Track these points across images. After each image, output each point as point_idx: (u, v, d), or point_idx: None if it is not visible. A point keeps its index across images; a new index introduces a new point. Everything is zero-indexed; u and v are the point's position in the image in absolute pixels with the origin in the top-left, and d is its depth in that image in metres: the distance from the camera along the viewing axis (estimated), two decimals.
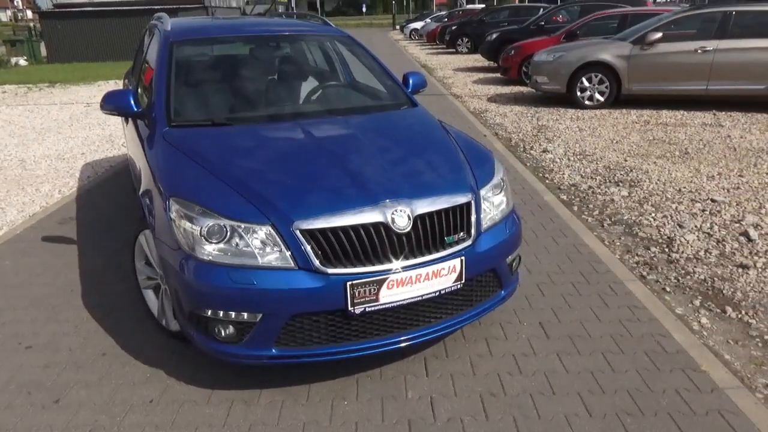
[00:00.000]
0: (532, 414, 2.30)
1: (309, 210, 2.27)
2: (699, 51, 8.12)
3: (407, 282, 2.31)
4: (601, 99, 8.81)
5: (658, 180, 5.34)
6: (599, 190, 5.15)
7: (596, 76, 8.75)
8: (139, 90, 3.88)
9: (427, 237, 2.36)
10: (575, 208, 4.76)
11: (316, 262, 2.22)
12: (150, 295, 2.96)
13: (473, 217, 2.51)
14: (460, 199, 2.49)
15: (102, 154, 6.95)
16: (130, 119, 3.77)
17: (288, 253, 2.23)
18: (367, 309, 2.27)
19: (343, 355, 2.32)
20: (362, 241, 2.26)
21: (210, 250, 2.27)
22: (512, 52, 11.87)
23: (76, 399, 2.44)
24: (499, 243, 2.60)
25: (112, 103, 3.16)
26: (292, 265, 2.22)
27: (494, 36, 14.43)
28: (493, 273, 2.63)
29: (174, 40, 3.48)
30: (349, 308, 2.24)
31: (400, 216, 2.31)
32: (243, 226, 2.26)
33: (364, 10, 77.36)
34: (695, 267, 3.63)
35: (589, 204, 4.83)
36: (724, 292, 3.31)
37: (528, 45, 11.80)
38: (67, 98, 12.06)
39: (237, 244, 2.25)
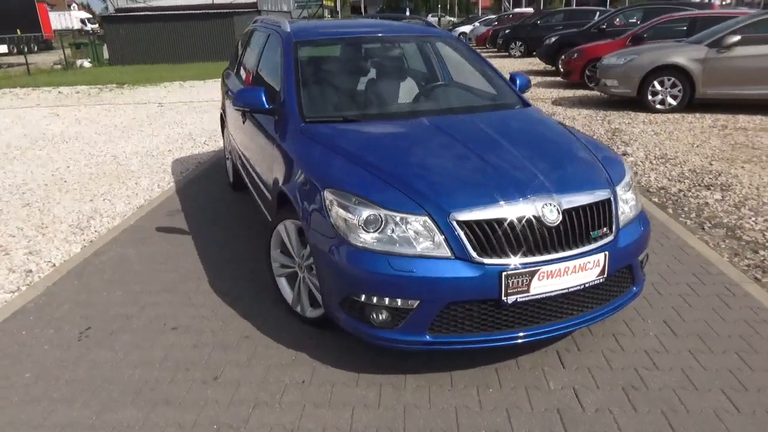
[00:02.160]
0: (680, 408, 2.34)
1: (465, 202, 2.37)
2: None
3: (556, 274, 2.38)
4: (674, 103, 8.69)
5: (750, 185, 5.26)
6: (690, 194, 5.11)
7: (669, 80, 8.63)
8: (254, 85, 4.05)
9: (575, 231, 2.43)
10: (670, 210, 4.74)
11: (473, 253, 2.31)
12: (283, 283, 3.11)
13: (614, 213, 2.57)
14: (602, 194, 2.55)
15: (187, 152, 7.23)
16: (246, 118, 3.95)
17: (445, 243, 2.33)
18: (518, 299, 2.35)
19: (494, 343, 2.40)
20: (516, 233, 2.34)
21: (367, 238, 2.38)
22: (575, 56, 11.79)
23: (233, 377, 2.59)
24: (634, 240, 2.65)
25: (245, 100, 3.33)
26: (449, 254, 2.32)
27: (553, 40, 14.34)
28: (628, 269, 2.68)
29: (297, 41, 3.64)
30: (503, 298, 2.33)
31: (551, 210, 2.39)
32: (400, 216, 2.37)
33: (407, 13, 77.50)
34: None
35: (684, 207, 4.80)
36: None
37: (591, 48, 11.70)
38: (139, 98, 12.53)
39: (394, 233, 2.36)
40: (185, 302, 3.28)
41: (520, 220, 2.35)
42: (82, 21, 60.33)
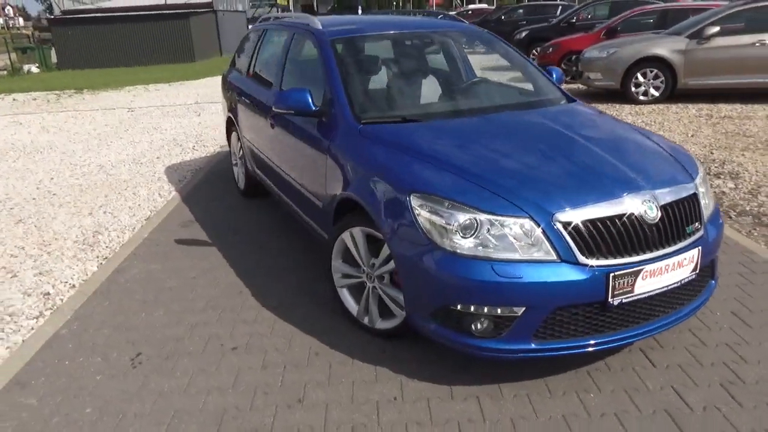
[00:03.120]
0: None
1: (566, 202, 2.27)
2: (757, 44, 8.20)
3: (657, 273, 2.32)
4: (656, 94, 8.87)
5: (757, 172, 5.38)
6: None
7: (651, 71, 8.81)
8: (283, 87, 3.86)
9: (672, 227, 2.38)
10: None
11: (579, 255, 2.22)
12: (346, 294, 2.96)
13: (702, 208, 2.53)
14: (689, 189, 2.50)
15: (177, 158, 6.91)
16: (277, 122, 3.76)
17: (549, 246, 2.23)
18: (623, 300, 2.28)
19: (600, 346, 2.32)
20: (620, 232, 2.27)
21: (465, 244, 2.26)
22: (550, 50, 11.93)
23: (318, 398, 2.43)
24: (717, 233, 2.62)
25: (288, 102, 3.14)
26: (554, 257, 2.22)
27: (524, 34, 14.50)
28: (711, 264, 2.65)
29: (333, 39, 3.48)
30: (609, 299, 2.25)
31: (650, 207, 2.32)
32: (499, 219, 2.25)
33: (360, 12, 77.39)
34: None
35: None
36: None
37: (566, 42, 11.87)
38: (103, 104, 11.98)
39: (493, 238, 2.25)
40: (236, 319, 3.08)
41: (622, 218, 2.28)
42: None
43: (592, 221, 2.25)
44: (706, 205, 2.63)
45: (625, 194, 2.33)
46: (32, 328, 3.16)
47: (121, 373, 2.65)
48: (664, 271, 2.34)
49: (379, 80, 3.49)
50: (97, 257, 4.09)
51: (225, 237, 4.23)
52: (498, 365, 2.58)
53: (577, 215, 2.25)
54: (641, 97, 8.95)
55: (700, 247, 2.44)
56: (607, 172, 2.46)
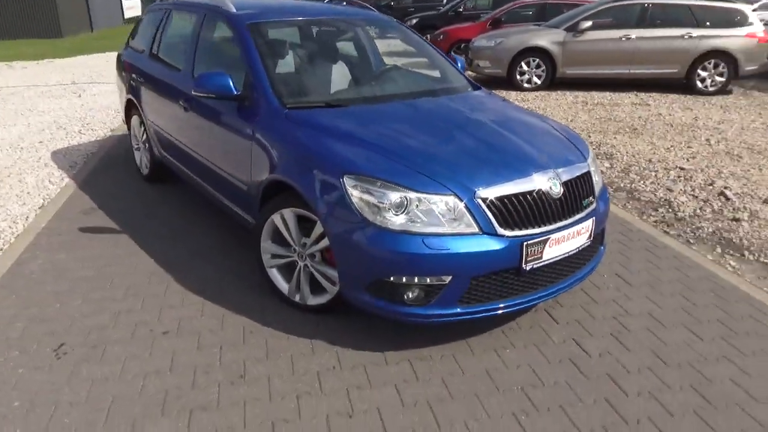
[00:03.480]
0: (659, 343, 2.76)
1: (485, 180, 2.53)
2: (623, 38, 9.15)
3: (561, 241, 2.66)
4: (538, 82, 9.61)
5: (627, 153, 6.10)
6: None
7: (534, 61, 9.51)
8: (195, 71, 3.80)
9: (572, 201, 2.72)
10: None
11: (497, 227, 2.49)
12: (275, 273, 3.04)
13: (594, 184, 2.91)
14: (584, 167, 2.87)
15: (63, 143, 6.46)
16: (183, 103, 3.71)
17: (471, 220, 2.47)
18: (534, 266, 2.59)
19: (516, 307, 2.62)
20: (530, 206, 2.57)
21: (397, 220, 2.45)
22: (440, 38, 12.42)
23: (259, 373, 2.52)
24: (606, 206, 3.03)
25: (209, 86, 3.13)
26: (476, 230, 2.48)
27: (414, 21, 14.92)
28: (601, 232, 3.05)
29: (250, 23, 3.49)
30: (523, 265, 2.55)
31: (555, 183, 2.65)
32: (427, 197, 2.46)
33: None
34: (700, 222, 4.33)
35: None
36: (733, 241, 4.02)
37: (455, 31, 12.43)
38: None
39: (422, 214, 2.46)
40: (162, 305, 3.06)
41: (532, 193, 2.58)
42: None
43: (508, 197, 2.53)
44: (597, 182, 3.02)
45: (534, 173, 2.63)
46: None
47: (46, 365, 2.56)
48: (566, 239, 2.68)
49: (300, 66, 3.56)
50: None
51: (134, 223, 4.10)
52: (424, 331, 2.82)
53: (494, 191, 2.51)
54: (525, 85, 9.64)
55: (593, 218, 2.82)
56: (518, 154, 2.75)
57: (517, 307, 2.64)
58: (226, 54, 3.69)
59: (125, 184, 4.92)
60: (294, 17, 3.76)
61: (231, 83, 3.13)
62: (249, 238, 3.77)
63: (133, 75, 4.77)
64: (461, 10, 14.49)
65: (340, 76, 3.59)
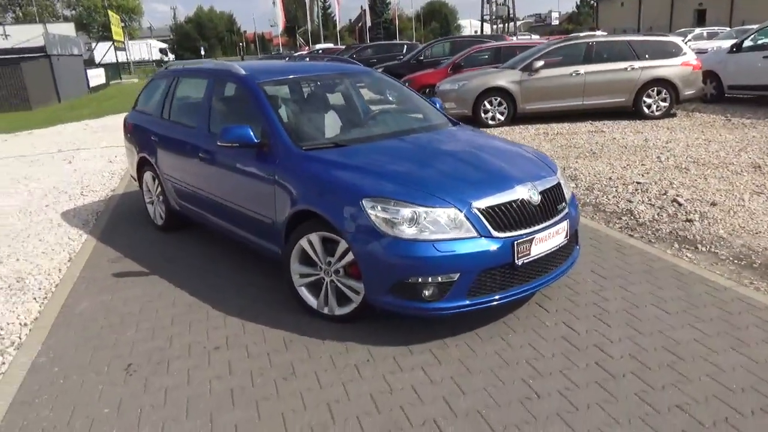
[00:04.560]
0: (633, 320, 3.33)
1: (478, 194, 3.11)
2: (573, 74, 10.08)
3: (544, 239, 3.23)
4: (502, 118, 10.44)
5: (589, 173, 6.82)
6: None
7: (496, 100, 10.36)
8: (211, 127, 4.34)
9: (549, 207, 3.32)
10: None
11: (492, 230, 3.06)
12: (304, 291, 3.53)
13: (564, 192, 3.52)
14: (555, 180, 3.48)
15: (68, 205, 6.85)
16: (203, 155, 4.25)
17: (470, 226, 3.03)
18: (525, 261, 3.15)
19: (514, 296, 3.16)
20: (516, 212, 3.15)
21: (410, 231, 3.00)
22: (407, 84, 13.26)
23: (306, 370, 2.98)
24: (576, 211, 3.64)
25: (232, 137, 3.68)
26: (475, 234, 3.03)
27: (380, 70, 15.81)
28: (575, 233, 3.65)
29: (260, 82, 4.07)
30: (516, 261, 3.11)
31: (534, 193, 3.24)
32: (433, 210, 3.02)
33: (202, 53, 76.33)
34: (659, 225, 4.98)
35: None
36: (688, 237, 4.67)
37: (419, 77, 13.33)
38: None
39: (430, 224, 3.01)
40: (207, 327, 3.50)
41: (516, 202, 3.16)
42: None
43: (498, 206, 3.11)
44: (566, 191, 3.63)
45: (516, 185, 3.23)
46: (3, 363, 3.29)
47: (121, 381, 2.97)
48: (548, 238, 3.26)
49: (306, 114, 4.15)
50: (35, 299, 4.18)
51: (161, 266, 4.54)
52: (437, 326, 3.32)
53: (486, 202, 3.09)
54: (490, 122, 10.45)
55: (567, 220, 3.42)
56: (501, 171, 3.36)
57: (516, 296, 3.18)
58: (237, 110, 4.26)
59: (141, 235, 5.36)
60: (295, 75, 4.36)
61: (252, 133, 3.69)
62: (271, 269, 4.24)
63: (145, 135, 5.27)
64: (422, 58, 15.50)
65: (341, 121, 4.19)
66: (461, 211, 3.04)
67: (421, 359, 3.04)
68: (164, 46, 73.70)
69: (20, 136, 13.94)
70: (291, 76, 4.36)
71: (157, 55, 67.69)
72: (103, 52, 45.68)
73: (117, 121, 15.89)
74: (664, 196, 5.72)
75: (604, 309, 3.48)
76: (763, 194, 5.62)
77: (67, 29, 35.43)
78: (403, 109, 4.71)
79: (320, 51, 29.98)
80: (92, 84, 31.85)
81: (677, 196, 5.67)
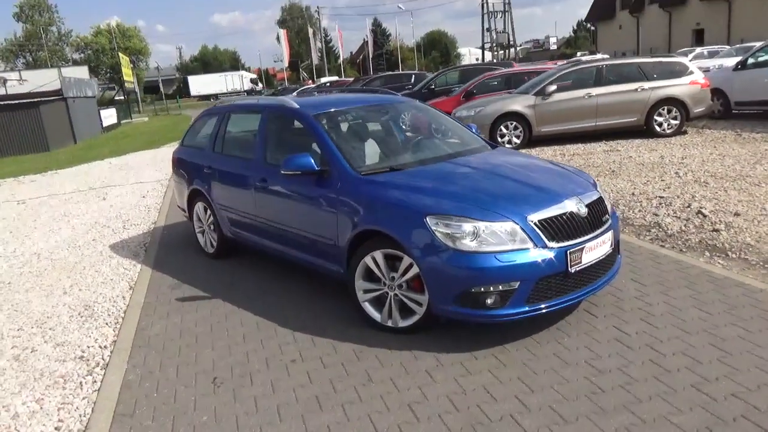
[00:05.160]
0: (679, 322, 3.56)
1: (533, 208, 3.39)
2: (586, 96, 10.45)
3: (593, 249, 3.50)
4: (518, 141, 10.78)
5: (612, 190, 7.09)
6: None
7: (512, 124, 10.72)
8: (267, 158, 4.67)
9: (594, 218, 3.59)
10: None
11: (547, 241, 3.33)
12: (368, 306, 3.78)
13: (606, 205, 3.80)
14: (597, 194, 3.76)
15: (114, 238, 7.16)
16: (259, 185, 4.56)
17: (527, 238, 3.30)
18: (577, 269, 3.41)
19: (569, 302, 3.41)
20: (567, 223, 3.42)
21: (472, 244, 3.27)
22: None
23: (383, 376, 3.22)
24: (617, 222, 3.91)
25: (295, 165, 3.99)
26: (532, 245, 3.30)
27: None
28: (617, 244, 3.91)
29: (314, 114, 4.41)
30: (569, 269, 3.37)
31: (581, 206, 3.52)
32: (492, 225, 3.30)
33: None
34: (687, 236, 5.23)
35: None
36: (717, 246, 4.92)
37: (434, 105, 13.67)
38: None
39: (490, 237, 3.28)
40: (279, 342, 3.75)
41: (566, 215, 3.44)
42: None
43: (550, 218, 3.38)
44: (608, 204, 3.91)
45: (564, 200, 3.51)
46: (95, 381, 3.55)
47: (210, 392, 3.22)
48: (596, 247, 3.52)
49: (358, 142, 4.46)
50: (107, 324, 4.45)
51: (221, 291, 4.81)
52: (496, 333, 3.56)
53: (540, 215, 3.36)
54: (507, 146, 10.77)
55: (611, 231, 3.69)
56: (549, 187, 3.64)
57: (570, 302, 3.43)
58: (294, 141, 4.59)
59: (194, 263, 5.64)
60: (344, 106, 4.70)
61: (313, 161, 4.00)
62: (328, 289, 4.50)
63: (196, 168, 5.60)
64: (433, 87, 15.96)
65: (390, 147, 4.51)
66: (518, 224, 3.31)
67: (487, 363, 3.27)
68: (254, 76, 78.37)
69: (47, 176, 14.38)
70: (342, 108, 4.70)
71: (248, 85, 72.66)
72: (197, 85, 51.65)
73: (138, 158, 16.40)
74: (689, 209, 5.97)
75: (650, 312, 3.72)
76: None
77: (81, 72, 36.41)
78: (446, 135, 5.02)
79: (328, 84, 30.64)
80: (105, 124, 32.58)
81: (701, 208, 5.92)
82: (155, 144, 20.52)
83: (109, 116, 34.97)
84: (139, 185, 11.31)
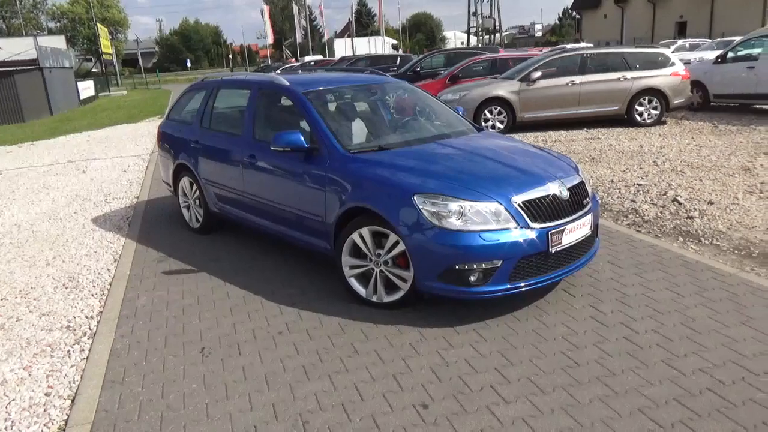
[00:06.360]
0: (652, 302, 3.72)
1: (516, 190, 3.49)
2: (569, 84, 10.58)
3: (573, 230, 3.62)
4: (501, 127, 10.89)
5: (592, 177, 7.25)
6: None
7: (496, 109, 10.82)
8: (256, 134, 4.69)
9: (575, 202, 3.71)
10: None
11: (529, 221, 3.44)
12: (354, 282, 3.87)
13: (587, 189, 3.92)
14: (579, 178, 3.88)
15: (96, 211, 7.13)
16: (247, 160, 4.59)
17: (511, 218, 3.41)
18: (557, 249, 3.53)
19: (547, 281, 3.54)
20: (549, 205, 3.53)
21: (458, 223, 3.37)
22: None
23: (367, 348, 3.32)
24: (597, 205, 4.04)
25: (285, 142, 4.03)
26: (515, 225, 3.41)
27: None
28: (596, 227, 4.04)
29: (304, 92, 4.44)
30: (549, 249, 3.49)
31: (563, 189, 3.64)
32: (478, 205, 3.40)
33: (188, 65, 76.50)
34: (662, 222, 5.41)
35: None
36: (690, 232, 5.10)
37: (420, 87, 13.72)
38: None
39: (475, 217, 3.38)
40: (266, 315, 3.82)
41: (549, 197, 3.55)
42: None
43: (533, 200, 3.49)
44: (589, 188, 4.03)
45: (547, 182, 3.62)
46: (83, 350, 3.59)
47: (199, 362, 3.29)
48: (576, 229, 3.65)
49: (348, 120, 4.51)
50: (92, 295, 4.48)
51: (206, 265, 4.85)
52: (478, 309, 3.68)
53: (523, 197, 3.47)
54: (490, 131, 10.86)
55: (591, 214, 3.81)
56: (532, 170, 3.75)
57: (550, 281, 3.56)
58: (283, 118, 4.62)
59: (179, 237, 5.66)
60: (334, 85, 4.74)
61: (302, 138, 4.04)
62: (314, 264, 4.58)
63: (183, 143, 5.59)
64: (419, 69, 15.96)
65: (379, 126, 4.56)
66: (502, 205, 3.42)
67: (468, 337, 3.39)
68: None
69: (23, 147, 14.13)
70: (333, 86, 4.73)
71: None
72: None
73: (118, 132, 16.18)
74: (665, 196, 6.16)
75: (625, 293, 3.87)
76: (755, 193, 6.09)
77: (58, 42, 35.46)
78: (433, 116, 5.09)
79: (312, 63, 30.38)
80: (82, 96, 31.91)
81: (677, 196, 6.11)
82: (135, 118, 20.23)
83: (86, 88, 34.23)
84: (120, 159, 11.19)
